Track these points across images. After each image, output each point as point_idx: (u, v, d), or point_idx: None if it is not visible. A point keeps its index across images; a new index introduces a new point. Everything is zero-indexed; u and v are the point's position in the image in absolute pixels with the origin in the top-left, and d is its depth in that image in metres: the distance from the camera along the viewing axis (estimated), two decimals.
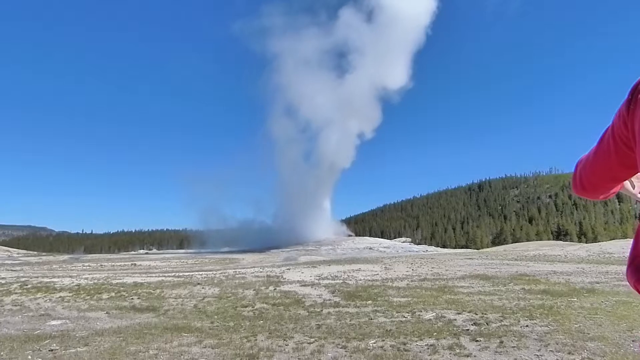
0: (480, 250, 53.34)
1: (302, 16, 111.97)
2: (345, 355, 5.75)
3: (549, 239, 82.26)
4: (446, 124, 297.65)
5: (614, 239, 52.97)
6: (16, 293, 12.08)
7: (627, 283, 0.80)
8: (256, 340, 6.61)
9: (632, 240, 0.79)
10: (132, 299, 11.00)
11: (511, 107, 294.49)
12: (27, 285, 13.63)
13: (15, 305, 10.20)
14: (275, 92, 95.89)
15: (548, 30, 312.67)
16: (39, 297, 11.30)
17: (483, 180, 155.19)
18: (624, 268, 0.77)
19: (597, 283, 12.50)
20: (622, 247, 29.30)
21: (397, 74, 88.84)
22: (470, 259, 25.03)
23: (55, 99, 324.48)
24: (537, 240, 78.69)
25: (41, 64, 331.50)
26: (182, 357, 5.86)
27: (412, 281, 14.22)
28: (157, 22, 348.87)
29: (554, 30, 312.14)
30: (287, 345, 6.32)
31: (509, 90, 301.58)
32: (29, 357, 5.94)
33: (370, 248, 52.30)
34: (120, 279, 15.44)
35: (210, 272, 18.92)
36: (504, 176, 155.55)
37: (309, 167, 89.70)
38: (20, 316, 9.02)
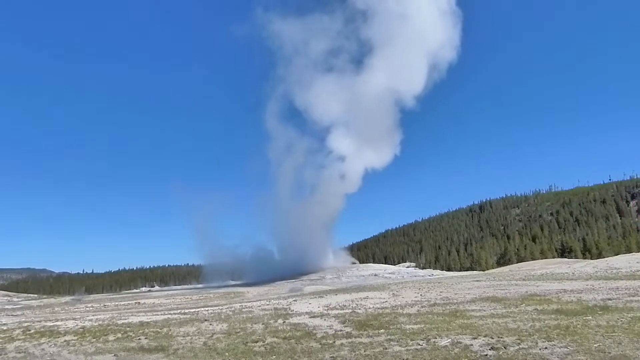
0: (486, 272, 52.63)
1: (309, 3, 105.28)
2: None
3: (553, 257, 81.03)
4: (445, 146, 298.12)
5: (618, 254, 52.35)
6: (19, 339, 11.81)
7: None
8: None
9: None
10: (140, 339, 10.77)
11: (509, 127, 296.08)
12: (30, 330, 13.35)
13: (19, 352, 9.97)
14: (277, 99, 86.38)
15: (549, 49, 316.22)
16: (43, 342, 11.05)
17: (484, 200, 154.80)
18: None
19: (610, 299, 12.34)
20: (629, 261, 29.03)
21: (413, 80, 77.58)
22: (477, 281, 24.73)
23: (47, 139, 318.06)
24: (541, 258, 77.47)
25: (29, 102, 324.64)
26: None
27: (422, 307, 14.01)
28: (145, 39, 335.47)
29: (556, 51, 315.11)
30: None
31: (507, 111, 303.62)
32: None
33: (376, 275, 51.59)
34: (126, 319, 15.16)
35: (217, 307, 18.61)
36: (504, 196, 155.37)
37: (314, 186, 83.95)
38: None
